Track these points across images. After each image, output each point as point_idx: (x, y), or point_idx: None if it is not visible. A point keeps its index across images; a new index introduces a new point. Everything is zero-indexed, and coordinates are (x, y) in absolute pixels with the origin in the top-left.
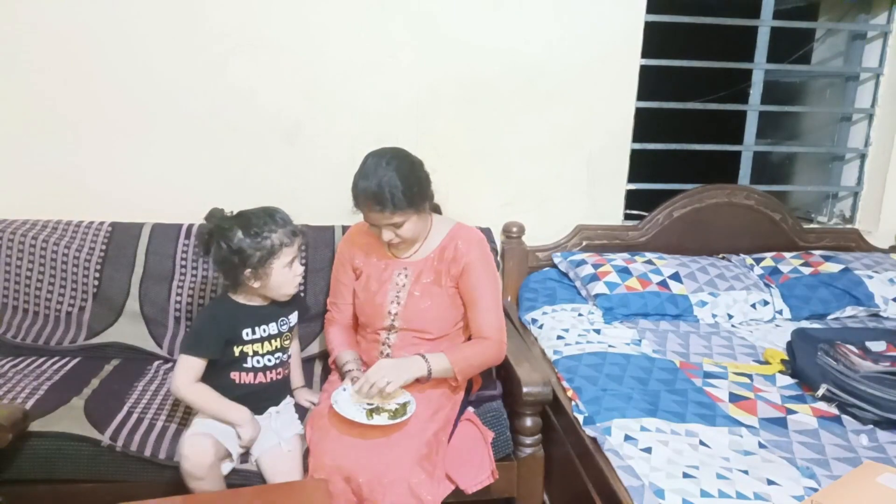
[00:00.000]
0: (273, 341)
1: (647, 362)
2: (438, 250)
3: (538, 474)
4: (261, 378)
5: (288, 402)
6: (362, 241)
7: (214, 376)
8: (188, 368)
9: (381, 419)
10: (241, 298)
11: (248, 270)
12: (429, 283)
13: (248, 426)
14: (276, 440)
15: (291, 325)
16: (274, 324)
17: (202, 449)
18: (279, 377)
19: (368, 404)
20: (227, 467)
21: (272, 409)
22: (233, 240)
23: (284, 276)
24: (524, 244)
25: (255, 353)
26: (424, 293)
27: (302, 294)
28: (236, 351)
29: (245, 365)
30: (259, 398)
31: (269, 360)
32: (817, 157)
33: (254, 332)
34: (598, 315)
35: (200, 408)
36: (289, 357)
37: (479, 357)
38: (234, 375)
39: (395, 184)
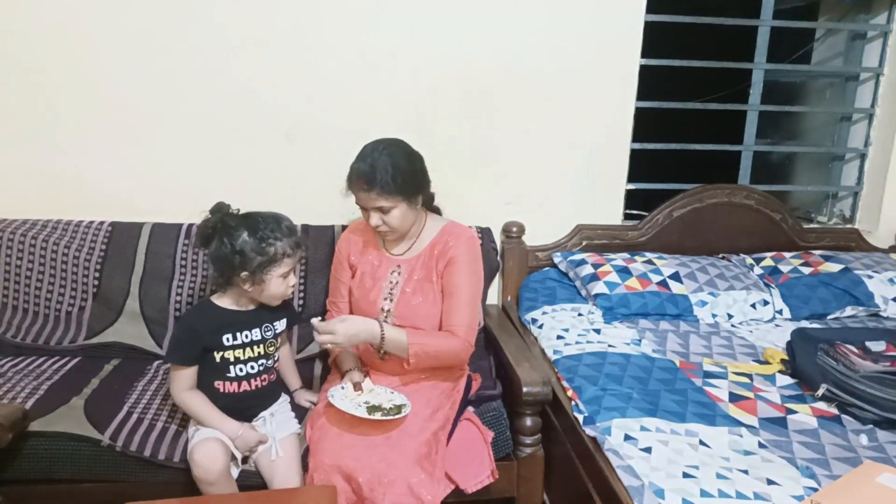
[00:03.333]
0: (256, 347)
1: (647, 362)
2: (429, 247)
3: (538, 474)
4: (245, 386)
5: (283, 402)
6: (358, 238)
7: (199, 385)
8: (176, 377)
9: (375, 416)
10: (225, 302)
11: (245, 274)
12: (420, 280)
13: (239, 440)
14: (270, 442)
15: (278, 331)
16: (258, 329)
17: (213, 454)
18: (264, 384)
19: (364, 402)
20: (234, 471)
21: (265, 413)
22: (237, 240)
23: (278, 287)
24: (524, 244)
25: (238, 360)
26: (416, 290)
27: (301, 298)
28: (217, 357)
29: (228, 374)
30: (245, 406)
31: (252, 368)
32: (817, 157)
33: (234, 338)
34: (597, 315)
35: (194, 417)
36: (274, 363)
37: (439, 348)
38: (218, 384)
39: (387, 168)
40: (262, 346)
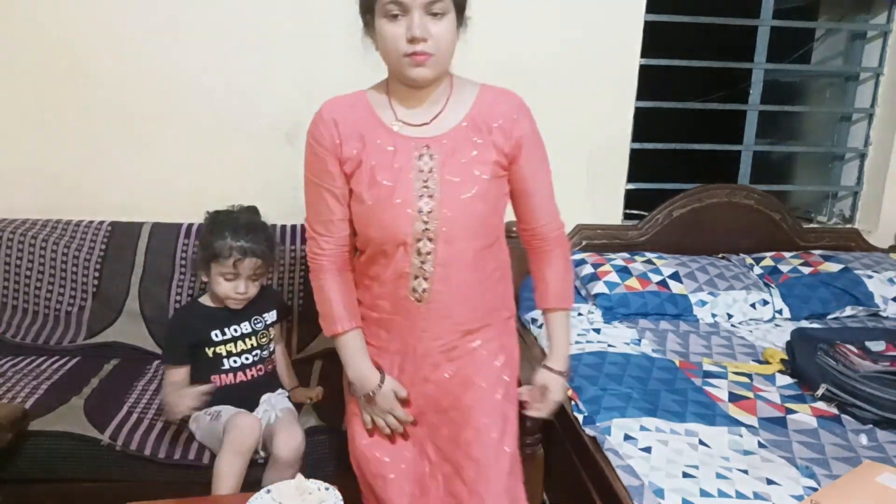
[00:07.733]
0: (247, 340)
1: (647, 362)
2: (470, 117)
3: (538, 474)
4: (241, 377)
5: (281, 392)
6: (350, 118)
7: (196, 380)
8: (168, 376)
9: None
10: (210, 300)
11: (201, 264)
12: (468, 163)
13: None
14: (271, 411)
15: (268, 322)
16: (247, 323)
17: (254, 426)
18: (261, 373)
19: None
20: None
21: (267, 395)
22: (202, 232)
23: (220, 286)
24: None
25: (230, 354)
26: (466, 178)
27: (301, 298)
28: (209, 352)
29: (223, 367)
30: (244, 394)
31: (247, 359)
32: (817, 157)
33: (224, 334)
34: (597, 315)
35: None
36: (270, 354)
37: (570, 278)
38: (215, 378)
39: None
40: (253, 338)
